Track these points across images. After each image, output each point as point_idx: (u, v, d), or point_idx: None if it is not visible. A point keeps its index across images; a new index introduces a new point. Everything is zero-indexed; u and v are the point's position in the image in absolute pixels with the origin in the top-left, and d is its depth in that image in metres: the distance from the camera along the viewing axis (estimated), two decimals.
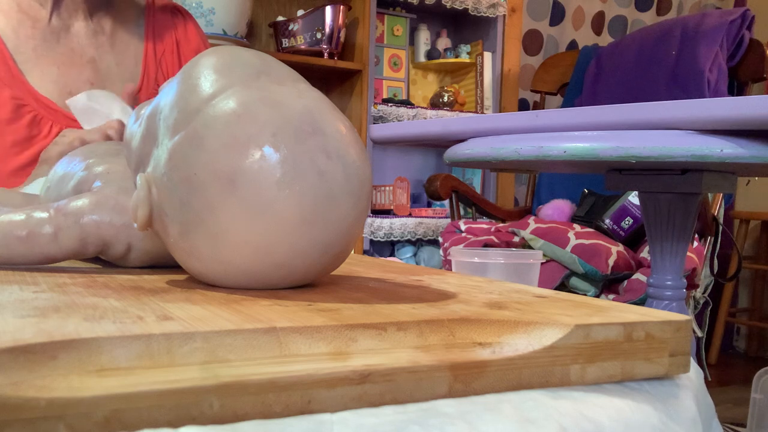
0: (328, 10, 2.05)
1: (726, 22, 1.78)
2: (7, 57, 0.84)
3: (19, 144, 0.82)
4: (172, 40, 0.97)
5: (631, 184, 0.97)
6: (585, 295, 1.36)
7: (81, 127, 0.86)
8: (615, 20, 2.97)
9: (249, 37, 2.21)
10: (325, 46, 2.08)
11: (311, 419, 0.23)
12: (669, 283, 0.99)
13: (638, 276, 1.40)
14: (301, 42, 2.12)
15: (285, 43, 2.15)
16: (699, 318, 1.61)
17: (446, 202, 2.30)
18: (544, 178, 2.14)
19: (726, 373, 2.68)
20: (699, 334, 1.50)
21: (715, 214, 1.58)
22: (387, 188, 2.25)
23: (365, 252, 2.18)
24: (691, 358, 0.33)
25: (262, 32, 2.28)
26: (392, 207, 2.23)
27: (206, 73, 0.36)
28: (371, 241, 2.24)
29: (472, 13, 2.41)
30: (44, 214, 0.42)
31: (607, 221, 1.64)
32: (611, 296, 1.41)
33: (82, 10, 0.89)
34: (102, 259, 0.52)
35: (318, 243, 0.34)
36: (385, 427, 0.23)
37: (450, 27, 2.61)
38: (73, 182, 0.50)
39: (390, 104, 2.24)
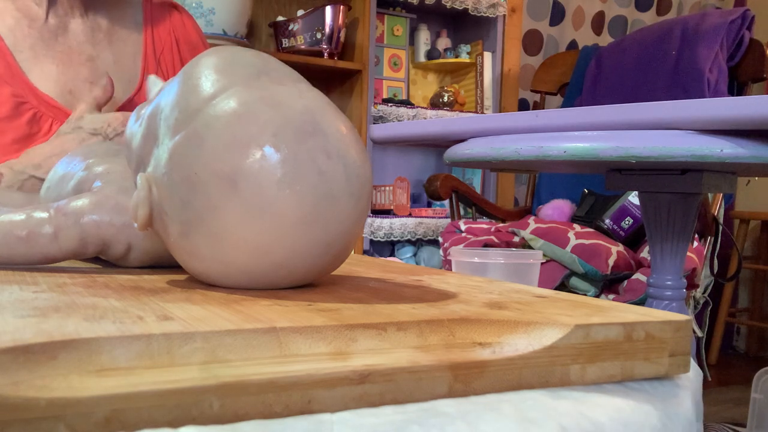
0: (328, 10, 2.05)
1: (726, 22, 1.78)
2: (6, 54, 0.83)
3: (19, 141, 0.82)
4: (170, 37, 0.96)
5: (631, 184, 0.97)
6: (585, 295, 1.36)
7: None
8: (615, 20, 2.97)
9: (249, 37, 2.21)
10: (325, 46, 2.08)
11: (311, 419, 0.23)
12: (669, 283, 0.99)
13: (638, 276, 1.40)
14: (301, 42, 2.12)
15: (285, 43, 2.15)
16: (699, 318, 1.61)
17: (446, 202, 2.30)
18: (544, 178, 2.14)
19: (726, 373, 2.68)
20: (699, 334, 1.50)
21: (715, 214, 1.58)
22: (387, 188, 2.25)
23: (365, 252, 2.18)
24: (691, 359, 0.33)
25: (262, 32, 2.28)
26: (392, 207, 2.23)
27: (207, 73, 0.36)
28: (371, 241, 2.24)
29: (472, 13, 2.41)
30: (44, 214, 0.42)
31: (607, 221, 1.64)
32: (611, 296, 1.41)
33: (77, 7, 0.88)
34: (102, 259, 0.52)
35: (318, 243, 0.34)
36: (385, 427, 0.23)
37: (450, 27, 2.61)
38: (73, 182, 0.50)
39: (390, 104, 2.24)
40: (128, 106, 0.90)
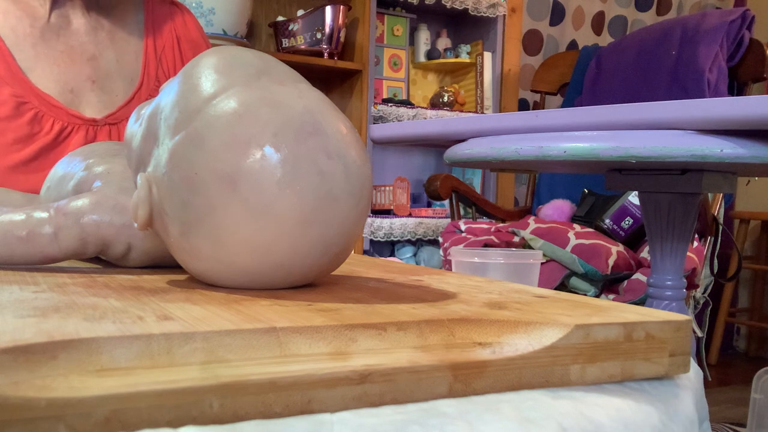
0: (328, 10, 2.05)
1: (726, 22, 1.78)
2: (6, 55, 0.83)
3: (21, 141, 0.82)
4: (171, 35, 0.96)
5: (631, 184, 0.97)
6: (585, 295, 1.36)
7: (84, 120, 0.86)
8: (615, 20, 2.97)
9: (249, 37, 2.21)
10: (325, 46, 2.08)
11: (311, 419, 0.23)
12: (669, 283, 0.99)
13: (638, 276, 1.40)
14: (301, 42, 2.12)
15: (285, 43, 2.15)
16: (699, 318, 1.61)
17: (446, 202, 2.30)
18: (544, 178, 2.14)
19: (726, 373, 2.68)
20: (699, 334, 1.50)
21: (715, 214, 1.58)
22: (387, 188, 2.25)
23: (365, 252, 2.18)
24: (691, 359, 0.33)
25: (262, 32, 2.28)
26: (392, 207, 2.23)
27: (207, 72, 0.36)
28: (371, 241, 2.24)
29: (472, 13, 2.41)
30: (44, 214, 0.42)
31: (607, 221, 1.64)
32: (611, 296, 1.41)
33: (79, 6, 0.89)
34: (102, 259, 0.52)
35: (318, 243, 0.34)
36: (385, 427, 0.23)
37: (450, 27, 2.61)
38: (73, 182, 0.50)
39: (390, 104, 2.24)
40: (130, 103, 0.90)
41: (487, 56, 2.45)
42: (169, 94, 0.37)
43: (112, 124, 0.89)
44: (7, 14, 0.85)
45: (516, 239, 1.60)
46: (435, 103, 2.41)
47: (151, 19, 0.95)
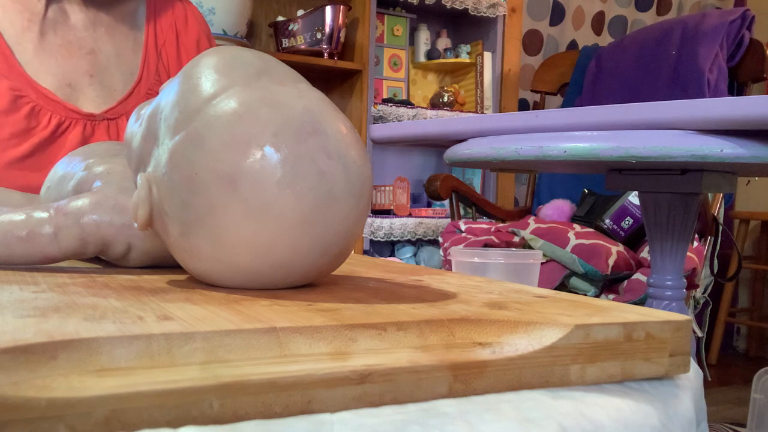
0: (328, 10, 2.05)
1: (726, 22, 1.78)
2: (4, 48, 0.83)
3: (18, 135, 0.82)
4: (172, 30, 0.96)
5: (631, 184, 0.97)
6: (585, 295, 1.36)
7: (82, 114, 0.86)
8: (615, 20, 2.97)
9: (249, 37, 2.21)
10: (325, 46, 2.08)
11: (311, 419, 0.23)
12: (669, 283, 0.99)
13: (638, 276, 1.40)
14: (301, 42, 2.12)
15: (285, 43, 2.15)
16: (699, 318, 1.61)
17: (446, 202, 2.30)
18: (544, 178, 2.14)
19: (726, 373, 2.68)
20: (699, 334, 1.50)
21: (715, 214, 1.58)
22: (387, 188, 2.25)
23: (365, 252, 2.18)
24: (691, 359, 0.33)
25: (262, 32, 2.28)
26: (392, 207, 2.23)
27: (207, 72, 0.36)
28: (371, 241, 2.24)
29: (472, 13, 2.41)
30: (44, 214, 0.42)
31: (607, 221, 1.64)
32: (611, 296, 1.41)
33: (77, 1, 0.88)
34: (102, 259, 0.52)
35: (318, 243, 0.34)
36: (385, 427, 0.23)
37: (450, 27, 2.61)
38: (73, 182, 0.50)
39: (390, 104, 2.24)
40: (129, 98, 0.90)
41: (487, 56, 2.45)
42: (169, 94, 0.37)
43: (111, 119, 0.88)
44: (5, 8, 0.85)
45: (516, 239, 1.60)
46: (435, 103, 2.41)
47: (153, 13, 0.95)
